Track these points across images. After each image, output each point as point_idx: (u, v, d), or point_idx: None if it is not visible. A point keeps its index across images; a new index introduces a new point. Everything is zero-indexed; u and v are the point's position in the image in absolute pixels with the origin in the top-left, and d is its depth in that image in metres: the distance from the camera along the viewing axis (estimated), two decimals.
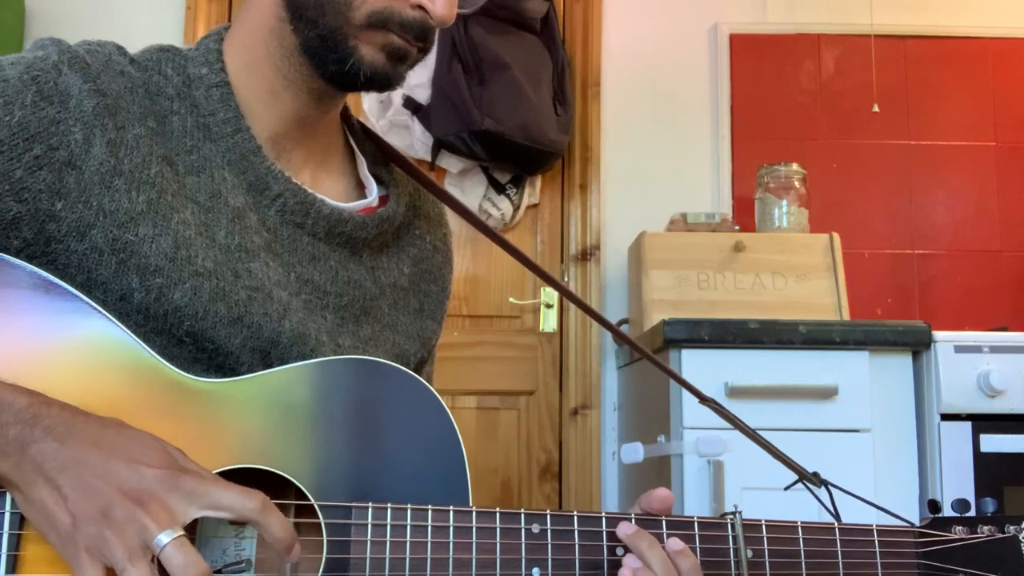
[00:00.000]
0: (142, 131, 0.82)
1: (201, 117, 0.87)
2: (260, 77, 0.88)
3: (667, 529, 0.81)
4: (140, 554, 0.65)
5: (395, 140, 2.51)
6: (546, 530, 0.79)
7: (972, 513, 0.87)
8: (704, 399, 1.03)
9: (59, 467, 0.67)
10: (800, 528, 0.84)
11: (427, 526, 0.76)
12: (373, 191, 0.98)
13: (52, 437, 0.68)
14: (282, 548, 0.70)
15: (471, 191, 2.59)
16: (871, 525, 0.86)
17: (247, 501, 0.69)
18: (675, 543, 0.80)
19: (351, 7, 0.82)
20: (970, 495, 1.82)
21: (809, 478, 0.97)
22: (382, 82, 0.86)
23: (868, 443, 1.87)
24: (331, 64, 0.84)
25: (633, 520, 0.81)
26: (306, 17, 0.84)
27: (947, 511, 0.88)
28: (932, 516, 0.88)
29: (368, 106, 2.55)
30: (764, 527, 0.83)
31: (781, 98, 2.71)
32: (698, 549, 0.81)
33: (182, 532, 0.66)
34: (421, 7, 0.84)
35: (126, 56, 0.87)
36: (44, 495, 0.67)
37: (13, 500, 0.70)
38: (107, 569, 0.66)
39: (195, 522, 0.69)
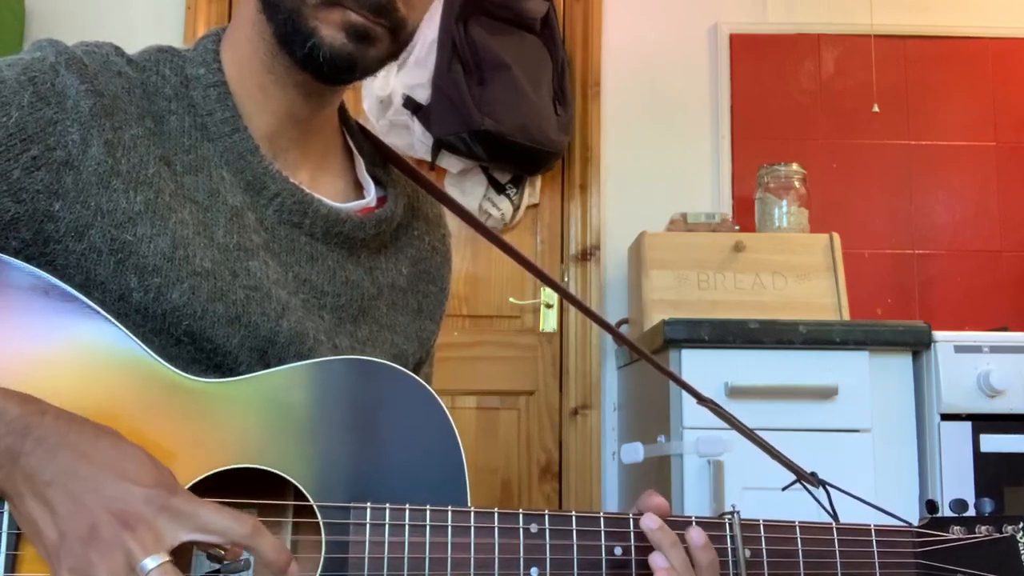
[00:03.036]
0: (140, 131, 0.82)
1: (199, 117, 0.87)
2: (250, 74, 0.88)
3: None
4: None
5: (395, 140, 2.51)
6: (544, 530, 0.79)
7: (970, 513, 0.87)
8: (702, 399, 1.03)
9: (48, 481, 0.66)
10: (798, 528, 0.84)
11: (425, 526, 0.76)
12: (371, 192, 0.98)
13: (43, 449, 0.67)
14: (276, 571, 0.68)
15: (471, 191, 2.59)
16: (869, 525, 0.86)
17: (238, 526, 0.67)
18: (698, 536, 0.79)
19: None
20: (970, 495, 1.82)
21: (807, 478, 0.97)
22: (346, 63, 0.83)
23: (868, 443, 1.87)
24: (298, 48, 0.83)
25: (631, 520, 0.81)
26: (271, 3, 0.84)
27: (945, 511, 0.88)
28: (930, 516, 0.88)
29: (368, 106, 2.55)
30: (762, 527, 0.83)
31: (781, 98, 2.71)
32: None
33: (168, 558, 0.65)
34: None
35: (123, 56, 0.87)
36: (32, 509, 0.67)
37: None
38: None
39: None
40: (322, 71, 0.84)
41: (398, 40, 0.86)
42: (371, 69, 0.86)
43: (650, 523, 0.79)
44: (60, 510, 0.66)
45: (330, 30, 0.82)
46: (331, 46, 0.82)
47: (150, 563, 0.64)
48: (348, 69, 0.84)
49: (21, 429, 0.67)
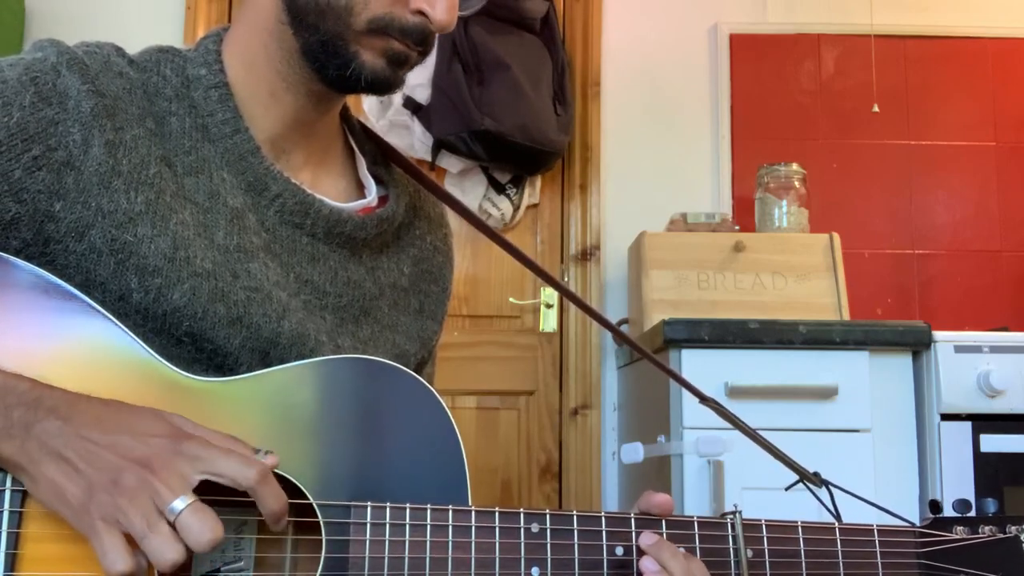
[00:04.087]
0: (140, 132, 0.82)
1: (200, 118, 0.87)
2: (259, 78, 0.88)
3: (667, 529, 0.81)
4: (158, 519, 0.66)
5: (395, 140, 2.50)
6: (545, 529, 0.79)
7: (973, 513, 0.87)
8: (704, 399, 1.03)
9: (65, 443, 0.68)
10: (800, 528, 0.84)
11: (426, 525, 0.76)
12: (372, 191, 0.98)
13: (55, 416, 0.69)
14: (271, 520, 0.70)
15: (471, 191, 2.59)
16: (871, 525, 0.86)
17: (246, 470, 0.69)
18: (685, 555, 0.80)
19: (352, 13, 0.82)
20: (970, 495, 1.82)
21: (810, 478, 0.97)
22: (383, 87, 0.86)
23: (868, 443, 1.86)
24: (332, 69, 0.84)
25: (633, 520, 0.81)
26: (307, 22, 0.84)
27: (948, 511, 0.88)
28: (933, 516, 0.87)
29: (368, 106, 2.55)
30: (764, 527, 0.83)
31: (781, 98, 2.71)
32: (698, 549, 0.81)
33: (195, 497, 0.67)
34: (421, 12, 0.83)
35: (125, 57, 0.87)
36: (52, 470, 0.68)
37: (12, 498, 0.70)
38: (125, 535, 0.66)
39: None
40: (355, 90, 0.87)
41: (423, 59, 0.89)
42: (399, 87, 0.88)
43: (648, 540, 0.80)
44: (82, 466, 0.67)
45: (371, 56, 0.84)
46: (372, 71, 0.84)
47: (179, 504, 0.66)
48: (383, 91, 0.87)
49: (33, 400, 0.69)
